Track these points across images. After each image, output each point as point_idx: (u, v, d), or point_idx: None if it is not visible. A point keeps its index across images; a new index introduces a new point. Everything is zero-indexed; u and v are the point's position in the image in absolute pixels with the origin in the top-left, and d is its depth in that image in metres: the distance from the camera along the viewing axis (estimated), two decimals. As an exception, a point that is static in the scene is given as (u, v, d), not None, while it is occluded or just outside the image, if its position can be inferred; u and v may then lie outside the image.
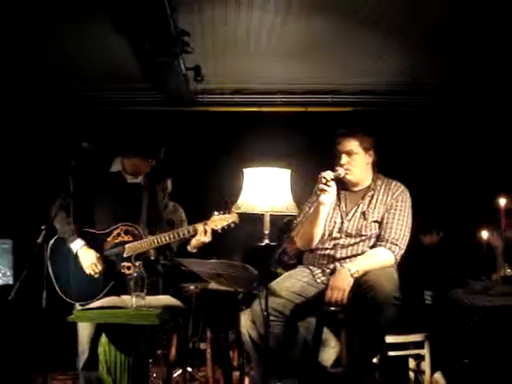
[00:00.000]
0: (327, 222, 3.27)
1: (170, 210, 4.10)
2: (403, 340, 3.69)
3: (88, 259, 3.32)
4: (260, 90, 5.81)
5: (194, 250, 3.41)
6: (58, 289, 3.31)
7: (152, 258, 3.44)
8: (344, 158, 3.23)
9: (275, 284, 3.19)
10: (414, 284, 3.98)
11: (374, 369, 3.34)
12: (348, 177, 3.25)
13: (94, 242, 3.38)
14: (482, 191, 5.22)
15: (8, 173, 5.53)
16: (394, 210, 3.21)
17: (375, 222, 3.22)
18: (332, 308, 3.09)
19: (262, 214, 3.35)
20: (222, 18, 4.15)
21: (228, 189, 4.15)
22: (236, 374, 3.99)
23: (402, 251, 3.17)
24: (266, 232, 3.31)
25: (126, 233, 3.39)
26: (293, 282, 3.21)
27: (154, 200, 3.59)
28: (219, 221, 3.33)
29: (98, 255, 3.34)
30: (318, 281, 3.23)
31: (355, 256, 3.18)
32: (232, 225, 3.35)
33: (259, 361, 3.16)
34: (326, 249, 3.26)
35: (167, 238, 3.32)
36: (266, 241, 3.29)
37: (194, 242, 3.38)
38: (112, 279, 3.33)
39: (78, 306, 3.28)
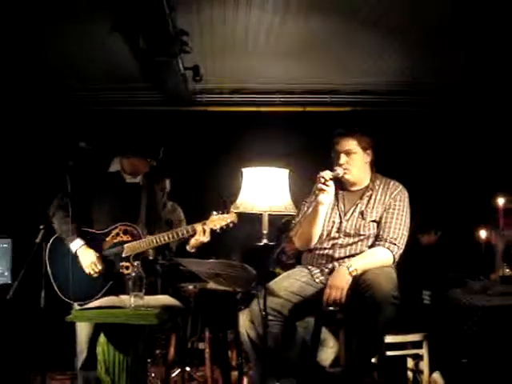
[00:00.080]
0: (326, 222, 3.27)
1: (169, 209, 4.10)
2: (401, 340, 3.70)
3: (87, 259, 3.32)
4: (259, 89, 5.81)
5: (193, 250, 3.41)
6: (56, 288, 3.31)
7: (151, 257, 3.44)
8: (342, 158, 3.23)
9: (274, 284, 3.19)
10: (413, 284, 3.98)
11: (373, 368, 3.33)
12: (346, 176, 3.25)
13: (92, 242, 3.38)
14: (481, 191, 5.23)
15: (7, 172, 5.53)
16: (393, 209, 3.22)
17: (373, 221, 3.22)
18: (330, 308, 3.09)
19: (261, 214, 3.35)
20: (220, 17, 4.14)
21: (226, 188, 4.15)
22: (234, 373, 3.99)
23: (401, 251, 3.18)
24: (265, 232, 3.30)
25: (125, 233, 3.39)
26: (291, 282, 3.21)
27: (153, 200, 3.59)
28: (218, 221, 3.33)
29: (98, 255, 3.34)
30: (317, 280, 3.23)
31: (354, 256, 3.18)
32: (231, 225, 3.35)
33: (258, 360, 3.16)
34: (325, 248, 3.26)
35: (166, 238, 3.32)
36: (265, 241, 3.28)
37: (192, 241, 3.38)
38: (111, 279, 3.33)
39: (76, 306, 3.28)
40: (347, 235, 3.23)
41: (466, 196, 5.58)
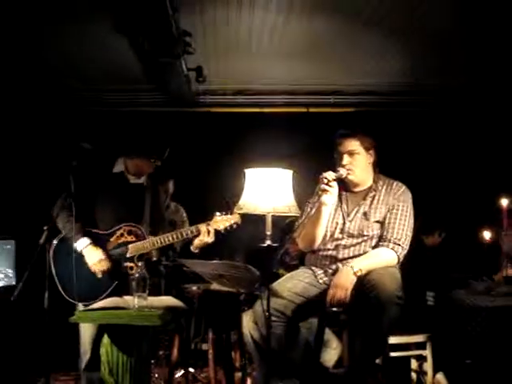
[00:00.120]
0: (329, 223, 3.27)
1: (172, 210, 4.10)
2: (405, 341, 3.69)
3: (94, 257, 3.32)
4: (262, 90, 5.81)
5: (197, 251, 3.42)
6: (60, 289, 3.31)
7: (154, 258, 3.44)
8: (346, 159, 3.23)
9: (277, 285, 3.19)
10: (416, 285, 3.97)
11: (377, 369, 3.33)
12: (350, 177, 3.25)
13: (96, 242, 3.38)
14: (484, 192, 5.22)
15: (10, 174, 5.54)
16: (396, 210, 3.21)
17: (377, 222, 3.22)
18: (334, 309, 3.09)
19: (264, 215, 3.35)
20: (223, 18, 4.15)
21: (230, 189, 4.14)
22: (238, 374, 3.99)
23: (405, 251, 3.18)
24: (268, 233, 3.31)
25: (129, 233, 3.39)
26: (295, 283, 3.21)
27: (157, 200, 3.60)
28: (221, 221, 3.33)
29: (104, 253, 3.34)
30: (321, 281, 3.23)
31: (357, 256, 3.18)
32: (234, 225, 3.35)
33: (261, 361, 3.16)
34: (328, 249, 3.26)
35: (170, 239, 3.33)
36: (268, 242, 3.28)
37: (196, 242, 3.38)
38: (115, 279, 3.33)
39: (80, 307, 3.28)
40: (351, 236, 3.23)
41: (470, 197, 5.57)
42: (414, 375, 3.96)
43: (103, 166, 3.53)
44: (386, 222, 3.21)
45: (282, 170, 3.45)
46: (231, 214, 3.35)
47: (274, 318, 3.00)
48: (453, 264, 4.54)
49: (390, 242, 3.15)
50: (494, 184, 5.19)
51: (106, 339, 2.91)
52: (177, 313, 3.16)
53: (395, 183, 3.31)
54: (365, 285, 2.96)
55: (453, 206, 5.50)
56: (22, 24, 4.15)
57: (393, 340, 3.53)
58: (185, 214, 4.49)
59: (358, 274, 3.04)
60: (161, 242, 3.33)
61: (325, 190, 3.09)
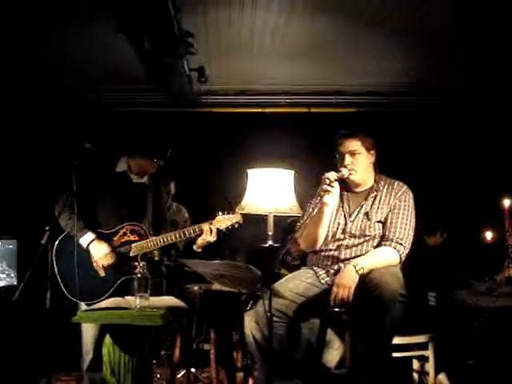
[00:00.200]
0: (331, 224, 3.26)
1: (174, 210, 4.11)
2: (407, 341, 3.68)
3: (100, 251, 3.32)
4: (264, 90, 5.81)
5: (200, 250, 3.42)
6: (63, 288, 3.31)
7: (156, 258, 3.44)
8: (347, 159, 3.23)
9: (279, 285, 3.19)
10: (418, 285, 3.97)
11: (383, 370, 3.32)
12: (352, 177, 3.24)
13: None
14: (486, 192, 5.22)
15: (12, 174, 5.55)
16: (398, 209, 3.21)
17: (379, 222, 3.22)
18: (336, 309, 3.08)
19: (266, 215, 3.35)
20: (225, 18, 4.15)
21: (232, 190, 4.15)
22: (240, 374, 3.99)
23: (407, 250, 3.17)
24: (270, 233, 3.30)
25: (132, 232, 3.39)
26: (297, 283, 3.21)
27: (159, 200, 3.60)
28: (224, 221, 3.34)
29: (110, 247, 3.34)
30: (323, 282, 3.23)
31: (359, 256, 3.17)
32: (236, 225, 3.36)
33: (263, 362, 3.15)
34: (330, 250, 3.26)
35: (173, 238, 3.33)
36: (270, 242, 3.28)
37: (199, 241, 3.39)
38: (118, 278, 3.33)
39: (83, 307, 3.28)
40: (352, 236, 3.23)
41: (472, 197, 5.57)
42: (415, 376, 3.95)
43: (105, 166, 3.53)
44: (388, 221, 3.20)
45: (284, 171, 3.45)
46: (233, 213, 3.36)
47: (275, 319, 2.99)
48: (455, 264, 4.54)
49: (392, 241, 3.15)
50: (496, 184, 5.19)
51: (107, 339, 2.91)
52: (178, 313, 3.15)
53: (396, 183, 3.31)
54: (367, 284, 2.96)
55: (455, 207, 5.50)
56: (23, 24, 4.16)
57: (395, 340, 3.51)
58: (187, 215, 4.50)
59: (361, 272, 3.03)
60: (164, 241, 3.33)
61: (327, 191, 3.08)
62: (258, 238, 3.56)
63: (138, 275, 2.90)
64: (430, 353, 3.74)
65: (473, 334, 3.34)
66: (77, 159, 3.06)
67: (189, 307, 3.37)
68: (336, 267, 3.20)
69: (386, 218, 3.22)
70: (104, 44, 4.51)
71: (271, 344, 2.91)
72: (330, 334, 3.63)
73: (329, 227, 3.26)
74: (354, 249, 3.21)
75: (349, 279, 3.03)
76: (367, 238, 3.21)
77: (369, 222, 3.22)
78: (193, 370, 4.29)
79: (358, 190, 3.34)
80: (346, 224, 3.26)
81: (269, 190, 3.36)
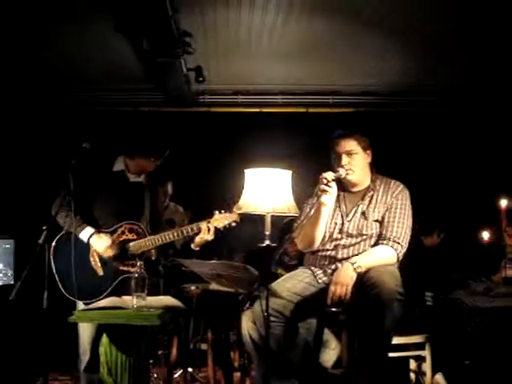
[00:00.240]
0: (328, 224, 3.27)
1: (172, 210, 4.11)
2: (404, 341, 3.68)
3: (103, 244, 3.31)
4: (261, 90, 5.81)
5: (198, 248, 3.43)
6: (61, 287, 3.30)
7: (153, 258, 3.44)
8: (344, 159, 3.23)
9: (276, 285, 3.19)
10: (416, 285, 3.97)
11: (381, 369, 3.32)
12: (349, 177, 3.25)
13: None
14: (483, 192, 5.23)
15: (9, 173, 5.54)
16: (395, 208, 3.22)
17: (376, 221, 3.22)
18: (333, 309, 3.08)
19: (263, 215, 3.35)
20: (223, 18, 4.15)
21: (229, 189, 4.15)
22: (237, 374, 3.99)
23: (404, 249, 3.18)
24: (267, 233, 3.30)
25: (130, 231, 3.39)
26: (294, 283, 3.21)
27: (156, 199, 3.60)
28: (221, 219, 3.34)
29: (110, 238, 3.34)
30: (320, 281, 3.23)
31: (357, 256, 3.18)
32: (233, 224, 3.36)
33: (260, 361, 3.16)
34: (327, 250, 3.26)
35: (171, 236, 3.33)
36: (267, 242, 3.28)
37: (197, 239, 3.38)
38: (116, 278, 3.33)
39: (80, 306, 3.28)
40: (349, 236, 3.23)
41: (469, 197, 5.58)
42: (412, 376, 3.96)
43: (103, 165, 3.53)
44: (385, 220, 3.21)
45: (282, 170, 3.45)
46: (230, 212, 3.36)
47: (272, 319, 2.99)
48: (452, 264, 4.54)
49: (389, 240, 3.15)
50: (493, 184, 5.19)
51: (104, 339, 2.91)
52: (176, 313, 3.15)
53: (393, 182, 3.32)
54: (365, 283, 2.96)
55: (452, 207, 5.50)
56: (23, 24, 4.16)
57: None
58: (184, 214, 4.49)
59: (358, 270, 3.03)
60: (162, 240, 3.33)
61: (324, 191, 3.09)
62: (255, 238, 3.56)
63: (135, 275, 2.90)
64: (427, 353, 3.74)
65: (470, 334, 3.34)
66: (74, 158, 3.06)
67: (186, 307, 3.37)
68: (333, 267, 3.21)
69: (382, 217, 3.22)
70: (103, 44, 4.50)
71: (268, 344, 2.90)
72: (327, 334, 3.63)
73: (326, 227, 3.26)
74: (351, 248, 3.22)
75: (346, 277, 3.03)
76: (364, 237, 3.21)
77: (366, 222, 3.22)
78: (190, 369, 4.29)
79: (355, 189, 3.34)
80: (342, 224, 3.27)
81: (266, 189, 3.36)
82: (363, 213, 3.25)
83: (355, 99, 5.87)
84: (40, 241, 2.90)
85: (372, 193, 3.29)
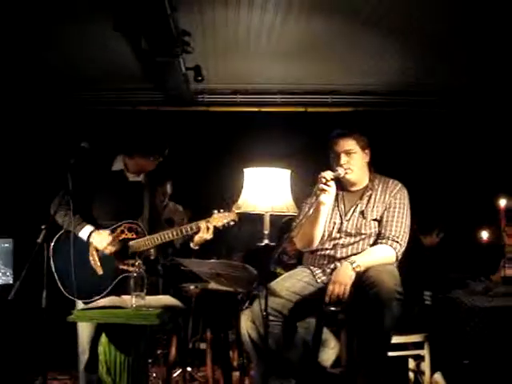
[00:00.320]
0: (327, 223, 3.27)
1: (171, 209, 4.11)
2: (403, 340, 3.69)
3: (103, 241, 3.30)
4: (260, 90, 5.82)
5: (197, 247, 3.42)
6: (60, 285, 3.30)
7: (152, 257, 3.44)
8: (343, 158, 3.23)
9: (275, 284, 3.19)
10: (414, 284, 3.98)
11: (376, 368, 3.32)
12: (348, 176, 3.25)
13: None
14: (482, 192, 5.23)
15: (8, 172, 5.53)
16: (394, 207, 3.22)
17: (374, 220, 3.22)
18: (332, 308, 3.08)
19: (262, 214, 3.35)
20: (222, 17, 4.15)
21: (228, 188, 4.15)
22: (236, 374, 3.99)
23: (403, 248, 3.18)
24: (266, 232, 3.30)
25: (130, 230, 3.38)
26: (293, 282, 3.21)
27: (155, 198, 3.60)
28: (220, 218, 3.34)
29: (110, 234, 3.33)
30: (319, 281, 3.23)
31: (355, 255, 3.18)
32: (232, 223, 3.35)
33: (259, 361, 3.16)
34: (326, 249, 3.26)
35: (170, 235, 3.33)
36: (266, 241, 3.27)
37: (196, 238, 3.38)
38: (116, 277, 3.32)
39: (80, 305, 3.27)
40: (348, 235, 3.23)
41: (468, 197, 5.58)
42: (411, 375, 3.96)
43: (102, 164, 3.52)
44: (384, 219, 3.21)
45: (281, 170, 3.45)
46: (229, 211, 3.36)
47: (271, 318, 2.99)
48: (451, 264, 4.54)
49: (388, 239, 3.15)
50: (492, 184, 5.20)
51: (103, 338, 2.91)
52: (175, 312, 3.15)
53: (391, 181, 3.32)
54: (364, 282, 2.96)
55: (451, 206, 5.51)
56: (23, 24, 4.16)
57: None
58: (183, 213, 4.49)
59: (357, 269, 3.03)
60: (161, 239, 3.33)
61: (323, 190, 3.09)
62: (254, 237, 3.56)
63: (134, 274, 2.90)
64: (425, 352, 3.75)
65: (469, 333, 3.35)
66: (73, 158, 3.06)
67: (185, 306, 3.37)
68: (332, 266, 3.21)
69: (381, 216, 3.22)
70: (102, 44, 4.50)
71: (267, 343, 2.91)
72: (326, 333, 3.63)
73: (325, 226, 3.26)
74: (349, 247, 3.22)
75: (345, 276, 3.03)
76: (363, 236, 3.22)
77: (364, 221, 3.23)
78: (189, 369, 4.29)
79: (354, 189, 3.34)
80: (341, 223, 3.27)
81: (265, 189, 3.35)
82: (362, 212, 3.25)
83: (354, 99, 5.87)
84: (39, 240, 2.89)
85: (370, 192, 3.29)
